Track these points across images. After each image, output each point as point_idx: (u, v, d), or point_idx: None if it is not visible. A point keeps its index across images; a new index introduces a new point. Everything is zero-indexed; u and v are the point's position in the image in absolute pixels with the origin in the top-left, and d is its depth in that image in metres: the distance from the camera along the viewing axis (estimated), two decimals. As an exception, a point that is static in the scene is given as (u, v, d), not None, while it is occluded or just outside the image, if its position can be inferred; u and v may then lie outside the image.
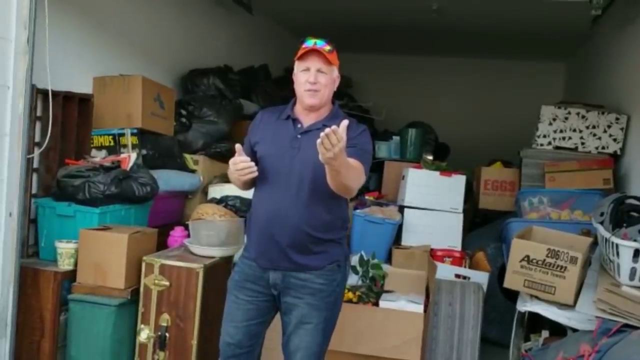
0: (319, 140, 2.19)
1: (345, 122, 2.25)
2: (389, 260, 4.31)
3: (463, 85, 8.64)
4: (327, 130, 2.18)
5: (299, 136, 2.61)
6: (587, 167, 4.65)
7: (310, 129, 2.61)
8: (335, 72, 2.65)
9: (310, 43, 2.58)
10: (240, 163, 2.50)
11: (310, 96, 2.58)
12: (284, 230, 2.57)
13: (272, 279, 2.64)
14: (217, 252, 3.40)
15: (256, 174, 2.54)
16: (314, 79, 2.56)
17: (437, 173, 4.81)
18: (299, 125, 2.64)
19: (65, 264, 3.30)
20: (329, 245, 2.63)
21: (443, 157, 6.36)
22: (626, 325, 2.79)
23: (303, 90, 2.60)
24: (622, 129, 4.74)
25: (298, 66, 2.62)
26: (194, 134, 4.70)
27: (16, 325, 3.12)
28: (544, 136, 4.89)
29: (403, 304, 3.46)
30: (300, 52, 2.59)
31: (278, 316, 2.76)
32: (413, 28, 6.97)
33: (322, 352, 2.68)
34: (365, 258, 3.84)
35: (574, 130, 4.83)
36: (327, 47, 2.58)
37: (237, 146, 2.55)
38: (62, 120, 3.61)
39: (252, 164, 2.51)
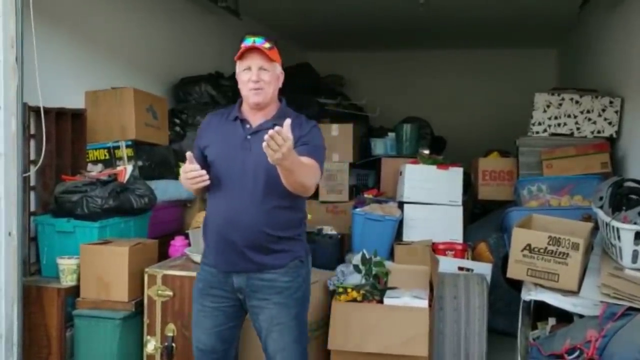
0: (264, 144, 2.16)
1: (288, 121, 2.22)
2: (391, 257, 4.30)
3: (456, 78, 8.64)
4: (271, 132, 2.14)
5: (249, 137, 2.59)
6: (584, 152, 4.64)
7: (260, 129, 2.57)
8: (278, 69, 2.63)
9: (249, 41, 2.54)
10: (191, 172, 2.46)
11: (255, 94, 2.56)
12: (240, 232, 2.53)
13: (236, 283, 2.60)
14: (219, 259, 3.40)
15: (208, 182, 2.50)
16: (256, 77, 2.54)
17: (434, 167, 4.79)
18: (248, 126, 2.62)
19: (67, 280, 3.31)
20: (289, 243, 2.61)
21: (440, 151, 6.33)
22: (631, 309, 2.80)
23: (247, 89, 2.57)
24: (616, 112, 4.73)
25: (239, 66, 2.59)
26: (189, 143, 4.69)
27: (23, 344, 3.12)
28: (539, 124, 4.88)
29: (407, 300, 3.45)
30: (240, 52, 2.56)
31: None
32: (402, 23, 6.96)
33: (302, 348, 2.64)
34: (368, 256, 3.83)
35: (569, 116, 4.83)
36: (267, 45, 2.55)
37: (188, 154, 2.50)
38: (56, 137, 3.63)
39: (204, 172, 2.46)
